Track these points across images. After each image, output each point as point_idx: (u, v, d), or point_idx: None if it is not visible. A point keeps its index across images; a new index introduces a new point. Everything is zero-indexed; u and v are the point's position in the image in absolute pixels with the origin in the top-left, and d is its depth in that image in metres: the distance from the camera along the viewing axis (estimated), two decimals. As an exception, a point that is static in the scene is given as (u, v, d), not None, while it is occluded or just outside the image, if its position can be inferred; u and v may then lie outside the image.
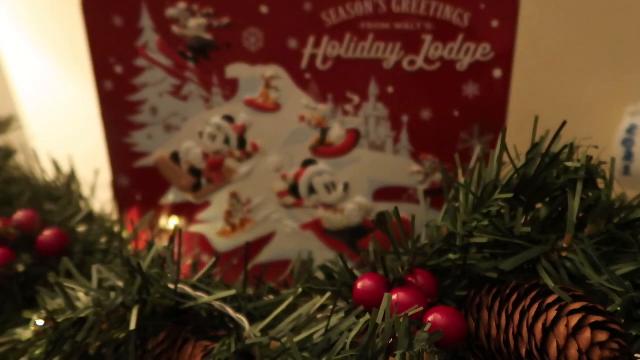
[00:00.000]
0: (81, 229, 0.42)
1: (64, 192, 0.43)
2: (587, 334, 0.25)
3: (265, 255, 0.44)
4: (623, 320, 0.26)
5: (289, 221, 0.43)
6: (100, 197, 0.45)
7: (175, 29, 0.39)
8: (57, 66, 0.75)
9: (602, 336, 0.25)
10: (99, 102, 0.42)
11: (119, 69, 0.41)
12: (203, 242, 0.44)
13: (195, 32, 0.39)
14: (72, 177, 0.44)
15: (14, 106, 0.61)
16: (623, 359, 0.24)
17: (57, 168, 0.43)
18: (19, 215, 0.38)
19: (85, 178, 0.45)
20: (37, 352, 0.29)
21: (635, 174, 0.43)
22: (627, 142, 0.42)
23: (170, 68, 0.40)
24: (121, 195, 0.45)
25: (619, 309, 0.25)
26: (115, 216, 0.44)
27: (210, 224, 0.45)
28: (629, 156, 0.42)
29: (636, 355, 0.23)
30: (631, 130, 0.43)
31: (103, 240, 0.42)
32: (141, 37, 0.40)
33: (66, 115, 0.63)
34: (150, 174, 0.44)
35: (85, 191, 0.44)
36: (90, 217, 0.42)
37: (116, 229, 0.42)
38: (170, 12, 0.39)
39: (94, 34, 0.40)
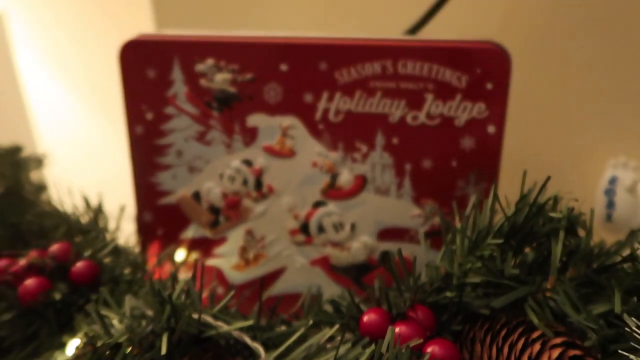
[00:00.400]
0: (107, 260, 0.45)
1: (93, 226, 0.47)
2: (566, 365, 0.28)
3: (277, 289, 0.47)
4: (599, 355, 0.29)
5: (299, 257, 0.46)
6: (125, 231, 0.48)
7: (203, 82, 0.43)
8: (90, 110, 0.80)
9: (580, 368, 0.28)
10: (129, 144, 0.46)
11: (149, 116, 0.45)
12: (219, 275, 0.48)
13: (221, 86, 0.43)
14: (100, 212, 0.47)
15: (44, 145, 0.65)
16: (598, 389, 0.27)
17: (87, 203, 0.47)
18: (55, 247, 0.41)
19: (111, 213, 0.48)
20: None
21: (616, 221, 0.46)
22: (609, 192, 0.46)
23: (197, 116, 0.44)
24: (144, 229, 0.48)
25: (595, 344, 0.28)
26: (138, 249, 0.48)
27: (226, 258, 0.48)
28: (610, 205, 0.46)
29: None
30: (612, 181, 0.46)
31: (127, 271, 0.45)
32: (172, 88, 0.44)
33: (97, 154, 0.68)
34: (172, 210, 0.47)
35: (111, 225, 0.48)
36: (116, 250, 0.46)
37: (140, 260, 0.45)
38: (200, 67, 0.43)
39: (129, 84, 0.44)
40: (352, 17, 0.57)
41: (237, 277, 0.47)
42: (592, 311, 0.29)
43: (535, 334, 0.30)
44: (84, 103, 0.85)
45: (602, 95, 0.51)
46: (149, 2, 0.61)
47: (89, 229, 0.46)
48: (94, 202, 0.47)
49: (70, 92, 0.85)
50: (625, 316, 0.27)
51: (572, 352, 0.28)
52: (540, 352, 0.29)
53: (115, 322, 0.34)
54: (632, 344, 0.26)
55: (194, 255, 0.48)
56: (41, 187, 0.49)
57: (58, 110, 0.88)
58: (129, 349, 0.32)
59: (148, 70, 0.43)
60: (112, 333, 0.33)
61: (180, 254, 0.50)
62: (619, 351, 0.27)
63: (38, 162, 0.50)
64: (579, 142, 0.52)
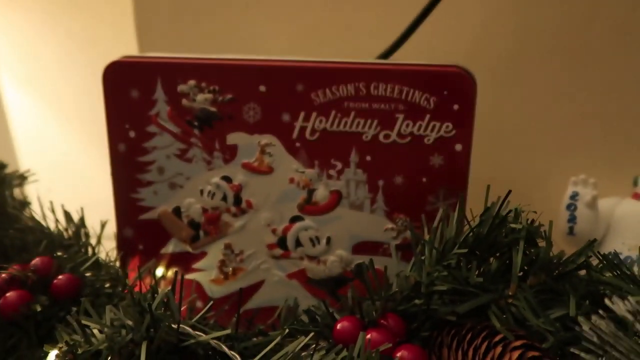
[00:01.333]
0: (88, 274, 0.46)
1: (74, 240, 0.48)
2: (525, 366, 0.30)
3: (255, 301, 0.48)
4: (557, 357, 0.31)
5: (277, 270, 0.47)
6: (106, 246, 0.49)
7: (185, 102, 0.45)
8: (70, 130, 0.82)
9: (538, 367, 0.30)
10: (111, 161, 0.47)
11: (132, 134, 0.46)
12: (198, 289, 0.49)
13: (202, 105, 0.45)
14: (81, 227, 0.48)
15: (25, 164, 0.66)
16: (555, 388, 0.29)
17: (69, 218, 0.48)
18: (37, 261, 0.42)
19: (92, 228, 0.49)
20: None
21: (578, 234, 0.49)
22: (571, 207, 0.48)
23: (178, 134, 0.46)
24: (125, 244, 0.49)
25: (552, 345, 0.30)
26: (118, 263, 0.49)
27: (205, 273, 0.49)
28: (572, 219, 0.48)
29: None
30: (574, 196, 0.49)
31: (107, 285, 0.46)
32: (154, 107, 0.45)
33: (77, 173, 0.69)
34: (153, 226, 0.48)
35: (92, 240, 0.49)
36: (97, 264, 0.46)
37: (120, 274, 0.46)
38: (182, 87, 0.45)
39: (112, 103, 0.46)
40: (327, 42, 0.59)
41: (216, 290, 0.48)
42: (549, 316, 0.31)
43: (498, 338, 0.31)
44: (65, 123, 0.86)
45: (564, 117, 0.54)
46: (132, 26, 0.63)
47: (70, 243, 0.47)
48: (75, 218, 0.48)
49: (51, 113, 0.87)
50: (580, 319, 0.29)
51: (531, 354, 0.30)
52: (501, 354, 0.30)
53: (96, 331, 0.35)
54: (585, 344, 0.28)
55: (173, 270, 0.49)
56: (24, 204, 0.50)
57: (39, 130, 0.89)
58: (109, 358, 0.33)
59: (131, 90, 0.45)
60: (93, 342, 0.33)
61: (159, 270, 0.51)
62: (574, 352, 0.29)
63: (21, 178, 0.51)
64: (542, 161, 0.54)
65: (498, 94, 0.52)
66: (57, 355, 0.33)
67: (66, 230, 0.48)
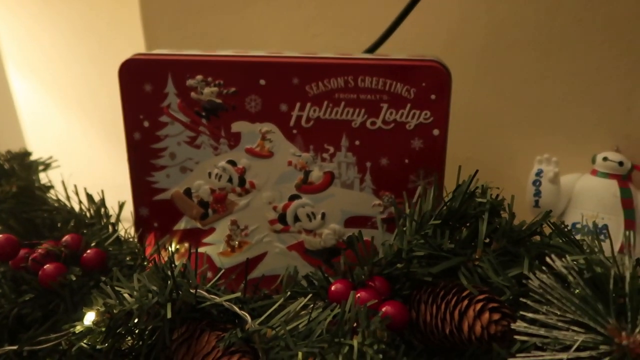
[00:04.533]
0: (111, 249, 0.52)
1: (97, 219, 0.53)
2: (486, 315, 0.36)
3: (259, 270, 0.54)
4: (513, 307, 0.37)
5: (278, 243, 0.53)
6: (124, 224, 0.55)
7: (193, 94, 0.50)
8: (84, 124, 0.86)
9: (496, 316, 0.35)
10: (127, 148, 0.53)
11: (146, 123, 0.51)
12: (208, 261, 0.55)
13: (209, 97, 0.50)
14: (102, 207, 0.54)
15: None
16: (510, 332, 0.36)
17: (92, 200, 0.53)
18: (67, 238, 0.48)
19: (111, 208, 0.55)
20: (97, 338, 0.39)
21: (543, 206, 0.54)
22: (536, 182, 0.54)
23: (187, 124, 0.51)
24: (141, 223, 0.55)
25: (509, 298, 0.37)
26: (136, 239, 0.54)
27: (214, 246, 0.54)
28: (538, 193, 0.54)
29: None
30: (539, 173, 0.54)
31: (128, 258, 0.52)
32: (166, 99, 0.50)
33: (100, 157, 0.74)
34: (166, 205, 0.54)
35: (112, 219, 0.54)
36: (118, 240, 0.52)
37: (139, 249, 0.52)
38: (190, 82, 0.50)
39: (128, 96, 0.51)
40: (319, 36, 0.64)
41: (224, 262, 0.54)
42: (508, 274, 0.37)
43: (465, 293, 0.37)
44: (78, 118, 0.91)
45: (530, 103, 0.58)
46: (139, 21, 0.68)
47: (93, 222, 0.53)
48: (96, 200, 0.54)
49: (63, 109, 0.91)
50: (531, 275, 0.35)
51: (492, 305, 0.36)
52: (467, 306, 0.36)
53: (126, 295, 0.41)
54: (533, 295, 0.34)
55: (186, 245, 0.55)
56: (48, 187, 0.55)
57: (51, 126, 0.94)
58: (139, 316, 0.39)
59: (145, 85, 0.50)
60: (125, 304, 0.39)
61: (173, 245, 0.57)
62: (526, 302, 0.35)
63: (45, 165, 0.56)
64: (513, 143, 0.60)
65: (472, 83, 0.57)
66: (95, 315, 0.39)
67: (88, 210, 0.54)
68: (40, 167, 0.55)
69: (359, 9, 0.61)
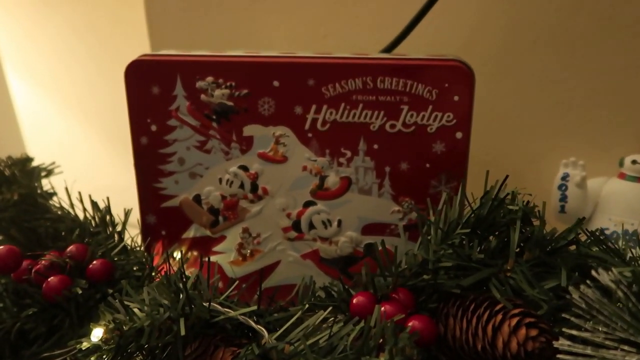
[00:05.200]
0: (117, 259, 0.49)
1: (102, 228, 0.51)
2: (523, 331, 0.34)
3: (272, 281, 0.52)
4: (551, 322, 0.35)
5: (292, 251, 0.51)
6: (131, 232, 0.53)
7: (203, 97, 0.48)
8: (85, 128, 0.84)
9: (533, 332, 0.33)
10: (134, 153, 0.50)
11: (153, 127, 0.49)
12: (219, 271, 0.52)
13: (220, 100, 0.48)
14: (108, 215, 0.52)
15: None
16: (549, 349, 0.33)
17: (97, 207, 0.51)
18: (72, 248, 0.46)
19: (117, 215, 0.53)
20: (105, 356, 0.37)
21: (569, 212, 0.52)
22: (562, 187, 0.52)
23: (197, 127, 0.49)
24: (148, 231, 0.53)
25: (546, 312, 0.34)
26: (143, 248, 0.52)
27: (225, 255, 0.52)
28: (563, 198, 0.52)
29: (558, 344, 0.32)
30: (564, 177, 0.52)
31: (135, 268, 0.49)
32: (174, 102, 0.48)
33: (103, 162, 0.71)
34: (175, 213, 0.52)
35: (118, 227, 0.52)
36: (125, 249, 0.50)
37: (146, 258, 0.50)
38: (200, 83, 0.48)
39: (134, 99, 0.49)
40: (331, 34, 0.62)
41: (235, 271, 0.52)
42: (543, 286, 0.35)
43: (498, 307, 0.35)
44: (79, 121, 0.88)
45: (554, 104, 0.57)
46: (144, 22, 0.65)
47: (98, 230, 0.51)
48: (101, 207, 0.52)
49: (64, 111, 0.89)
50: (570, 288, 0.33)
51: (528, 320, 0.34)
52: (502, 321, 0.34)
53: (136, 310, 0.38)
54: (575, 310, 0.31)
55: (195, 254, 0.53)
56: (51, 194, 0.53)
57: (51, 129, 0.91)
58: (151, 332, 0.36)
59: (152, 87, 0.48)
60: (135, 320, 0.37)
61: (179, 254, 0.54)
62: (566, 317, 0.33)
63: (47, 171, 0.54)
64: (536, 145, 0.58)
65: (493, 84, 0.55)
66: (104, 332, 0.36)
67: (93, 218, 0.51)
68: (43, 174, 0.53)
69: (370, 7, 0.59)
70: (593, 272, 0.30)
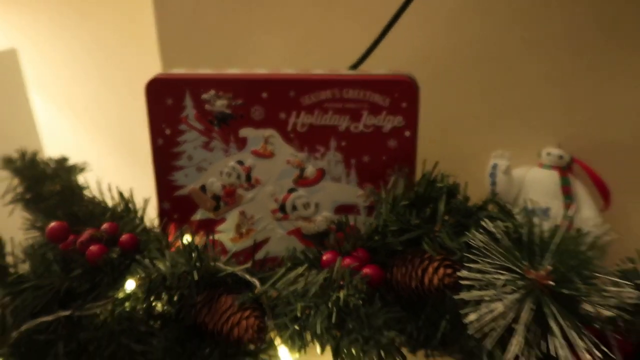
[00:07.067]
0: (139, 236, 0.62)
1: (126, 212, 0.63)
2: (442, 270, 0.46)
3: (263, 253, 0.64)
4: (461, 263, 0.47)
5: (279, 229, 0.63)
6: (150, 216, 0.65)
7: (207, 106, 0.61)
8: (101, 143, 0.96)
9: (449, 271, 0.46)
10: (152, 152, 0.63)
11: (167, 131, 0.62)
12: (220, 245, 0.65)
13: (220, 108, 0.61)
14: (131, 202, 0.64)
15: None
16: (459, 282, 0.46)
17: (122, 197, 0.64)
18: (106, 225, 0.58)
19: (138, 204, 0.65)
20: (137, 300, 0.49)
21: (499, 194, 0.65)
22: (492, 175, 0.64)
23: (202, 131, 0.62)
24: (164, 214, 0.65)
25: (459, 258, 0.47)
26: (159, 229, 0.65)
27: (225, 233, 0.65)
28: (493, 183, 0.64)
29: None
30: (494, 167, 0.64)
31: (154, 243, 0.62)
32: (184, 111, 0.61)
33: (109, 168, 0.84)
34: (185, 200, 0.64)
35: (139, 212, 0.65)
36: (145, 229, 0.62)
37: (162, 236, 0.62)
38: (204, 96, 0.60)
39: (153, 108, 0.61)
40: (312, 55, 0.75)
41: (234, 246, 0.65)
42: (459, 240, 0.48)
43: (426, 256, 0.48)
44: (97, 137, 1.01)
45: (488, 109, 0.68)
46: (156, 45, 0.79)
47: (123, 215, 0.63)
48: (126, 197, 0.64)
49: (81, 128, 1.01)
50: (469, 235, 0.45)
51: (446, 263, 0.46)
52: (428, 265, 0.47)
53: (160, 265, 0.51)
54: (474, 251, 0.44)
55: (201, 233, 0.65)
56: (84, 187, 0.66)
57: (68, 142, 1.04)
58: (172, 279, 0.49)
59: (167, 99, 0.61)
60: (160, 270, 0.50)
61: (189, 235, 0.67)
62: (468, 255, 0.45)
63: (80, 168, 0.66)
64: (474, 142, 0.70)
65: (439, 92, 0.67)
66: (137, 280, 0.49)
67: (119, 205, 0.64)
68: (77, 170, 0.66)
69: (341, 32, 0.72)
70: (482, 223, 0.42)
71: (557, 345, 0.36)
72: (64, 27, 0.98)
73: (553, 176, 0.63)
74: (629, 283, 0.36)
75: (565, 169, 0.65)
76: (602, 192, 0.64)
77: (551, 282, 0.37)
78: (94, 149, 1.01)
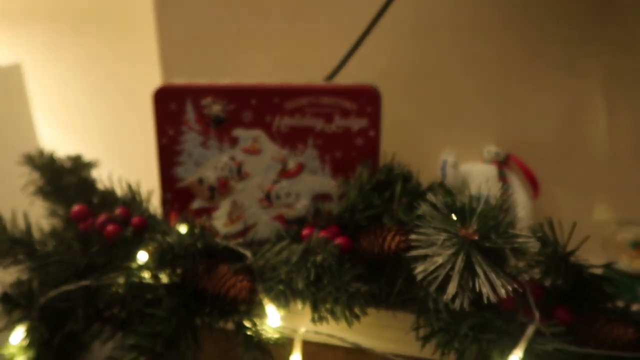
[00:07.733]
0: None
1: (133, 201, 0.74)
2: (398, 237, 0.58)
3: (251, 236, 0.75)
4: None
5: (265, 216, 0.75)
6: (154, 205, 0.76)
7: (205, 111, 0.72)
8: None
9: (403, 238, 0.58)
10: (157, 150, 0.74)
11: (171, 132, 0.73)
12: (215, 230, 0.76)
13: (216, 113, 0.72)
14: (137, 193, 0.75)
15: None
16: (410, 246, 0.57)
17: (131, 188, 0.74)
18: (119, 210, 0.69)
19: (144, 194, 0.75)
20: (149, 268, 0.60)
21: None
22: (443, 169, 0.77)
23: (201, 132, 0.73)
24: (166, 203, 0.76)
25: (411, 228, 0.59)
26: (162, 216, 0.75)
27: (219, 220, 0.76)
28: (444, 176, 0.76)
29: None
30: (444, 162, 0.77)
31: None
32: (185, 115, 0.73)
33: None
34: (185, 191, 0.75)
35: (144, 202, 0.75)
36: (150, 215, 0.73)
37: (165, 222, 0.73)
38: (203, 102, 0.72)
39: (159, 113, 0.73)
40: (293, 68, 0.87)
41: (226, 230, 0.76)
42: (413, 214, 0.60)
43: (386, 228, 0.60)
44: (99, 151, 1.10)
45: (441, 113, 0.81)
46: (157, 59, 0.90)
47: (131, 203, 0.74)
48: (134, 188, 0.75)
49: (83, 142, 1.10)
50: (420, 209, 0.57)
51: (402, 232, 0.58)
52: (387, 234, 0.59)
53: (168, 239, 0.61)
54: (423, 221, 0.56)
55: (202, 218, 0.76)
56: (95, 180, 0.76)
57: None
58: (179, 248, 0.60)
59: (171, 104, 0.72)
60: (169, 240, 0.60)
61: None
62: (417, 223, 0.57)
63: (92, 164, 0.77)
64: (431, 141, 0.82)
65: (400, 98, 0.80)
66: (148, 250, 0.59)
67: (127, 195, 0.74)
68: (91, 166, 0.76)
69: (319, 49, 0.85)
70: (426, 197, 0.55)
71: (481, 284, 0.48)
72: (67, 42, 1.08)
73: (492, 169, 0.76)
74: (533, 236, 0.49)
75: (502, 163, 0.78)
76: (532, 183, 0.77)
77: (476, 237, 0.49)
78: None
